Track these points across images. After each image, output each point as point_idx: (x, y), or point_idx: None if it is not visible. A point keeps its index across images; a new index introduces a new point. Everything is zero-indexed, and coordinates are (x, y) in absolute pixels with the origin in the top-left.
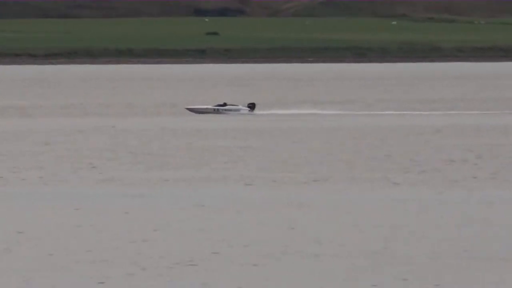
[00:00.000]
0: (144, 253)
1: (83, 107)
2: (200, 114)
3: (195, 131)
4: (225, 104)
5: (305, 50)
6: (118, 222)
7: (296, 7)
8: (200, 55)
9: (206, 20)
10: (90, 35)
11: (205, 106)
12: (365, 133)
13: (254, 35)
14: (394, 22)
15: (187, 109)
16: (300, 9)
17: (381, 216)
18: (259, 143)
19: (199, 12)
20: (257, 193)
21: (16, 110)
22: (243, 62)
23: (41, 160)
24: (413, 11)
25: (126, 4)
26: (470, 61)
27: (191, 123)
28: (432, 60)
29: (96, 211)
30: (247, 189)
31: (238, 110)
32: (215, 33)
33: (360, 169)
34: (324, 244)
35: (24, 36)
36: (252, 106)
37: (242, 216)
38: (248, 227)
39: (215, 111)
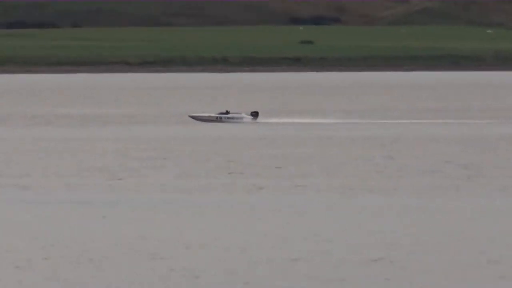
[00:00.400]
0: (240, 258)
1: (177, 115)
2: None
3: (285, 138)
4: (227, 112)
5: (400, 59)
6: (219, 228)
7: (393, 15)
8: (295, 63)
9: (301, 28)
10: (185, 43)
11: (207, 114)
12: (454, 142)
13: (349, 44)
14: (489, 31)
15: (190, 117)
16: (397, 17)
17: (474, 224)
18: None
19: (295, 20)
20: (355, 201)
21: (111, 118)
22: (338, 70)
23: (138, 169)
24: (509, 20)
25: (222, 12)
26: None
27: (285, 131)
28: None
29: (196, 218)
30: (345, 196)
31: (241, 118)
32: (309, 42)
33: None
34: (426, 250)
35: (120, 45)
36: (255, 115)
37: (340, 222)
38: (350, 233)
39: (217, 119)
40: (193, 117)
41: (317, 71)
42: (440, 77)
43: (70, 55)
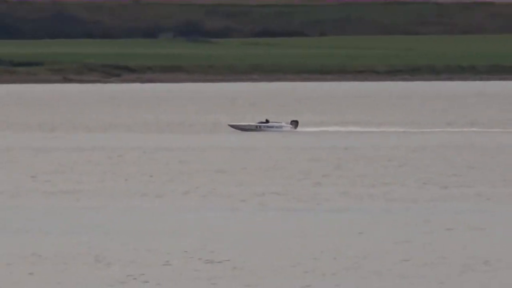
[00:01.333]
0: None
1: (434, 123)
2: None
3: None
4: (267, 121)
5: None
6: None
7: None
8: None
9: None
10: (432, 51)
11: (247, 123)
12: None
13: None
14: None
15: (230, 125)
16: None
17: None
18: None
19: None
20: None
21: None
22: None
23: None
24: None
25: (468, 21)
26: None
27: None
28: None
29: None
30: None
31: (280, 127)
32: None
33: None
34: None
35: (368, 53)
36: (295, 124)
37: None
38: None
39: (257, 128)
40: (232, 126)
41: None
42: None
43: (317, 63)
